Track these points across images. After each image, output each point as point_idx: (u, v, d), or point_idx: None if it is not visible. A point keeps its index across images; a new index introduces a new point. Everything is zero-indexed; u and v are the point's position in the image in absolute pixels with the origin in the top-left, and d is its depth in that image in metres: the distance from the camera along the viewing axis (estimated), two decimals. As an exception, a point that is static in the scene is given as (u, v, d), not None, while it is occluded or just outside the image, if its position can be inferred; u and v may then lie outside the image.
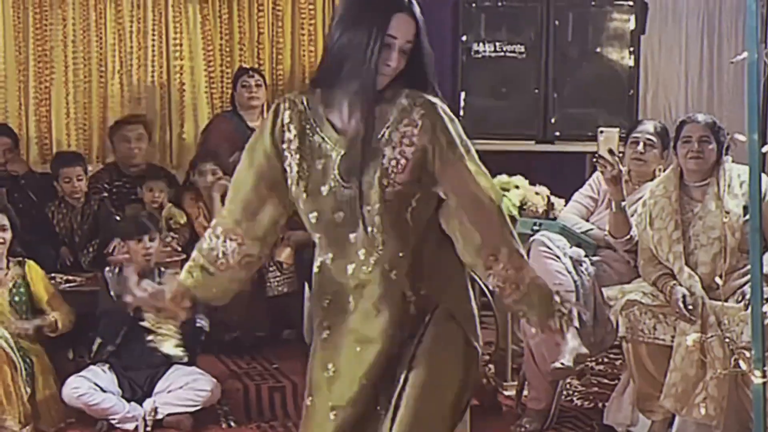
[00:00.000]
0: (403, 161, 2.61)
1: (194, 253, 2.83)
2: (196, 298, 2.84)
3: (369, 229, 2.62)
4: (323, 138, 2.66)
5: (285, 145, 2.68)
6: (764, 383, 3.00)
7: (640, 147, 4.89)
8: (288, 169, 2.68)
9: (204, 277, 2.80)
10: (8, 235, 4.97)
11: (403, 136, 2.61)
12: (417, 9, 2.62)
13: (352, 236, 2.65)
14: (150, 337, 4.83)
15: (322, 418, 2.75)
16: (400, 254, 2.66)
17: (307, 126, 2.67)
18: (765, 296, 3.18)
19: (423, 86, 2.67)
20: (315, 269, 2.77)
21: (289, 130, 2.68)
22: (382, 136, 2.62)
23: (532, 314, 2.71)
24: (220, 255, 2.76)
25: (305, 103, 2.69)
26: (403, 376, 2.70)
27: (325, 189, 2.64)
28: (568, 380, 5.13)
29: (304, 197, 2.66)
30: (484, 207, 2.65)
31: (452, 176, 2.64)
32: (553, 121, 6.57)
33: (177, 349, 4.87)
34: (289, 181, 2.69)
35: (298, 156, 2.66)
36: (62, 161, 5.94)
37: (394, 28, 2.57)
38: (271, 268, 5.87)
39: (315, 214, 2.67)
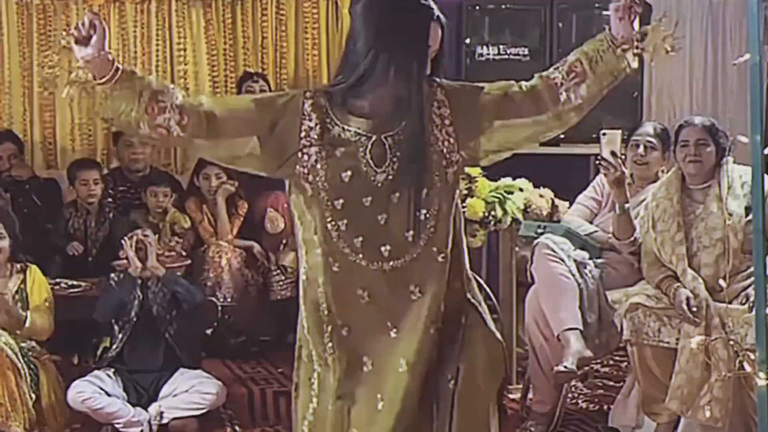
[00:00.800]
0: (453, 140, 2.73)
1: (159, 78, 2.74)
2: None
3: (423, 212, 2.69)
4: (343, 128, 2.70)
5: (303, 134, 2.69)
6: (768, 385, 3.00)
7: (641, 150, 4.87)
8: (305, 156, 2.69)
9: (138, 84, 2.64)
10: (5, 243, 4.94)
11: (442, 119, 2.73)
12: (443, 17, 2.73)
13: (380, 218, 2.68)
14: None
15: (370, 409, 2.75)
16: (448, 237, 2.74)
17: (327, 119, 2.70)
18: (769, 298, 3.18)
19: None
20: (328, 268, 2.71)
21: (309, 119, 2.70)
22: (410, 123, 2.70)
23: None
24: (163, 104, 2.65)
25: (325, 96, 2.73)
26: (451, 380, 2.76)
27: (346, 175, 2.67)
28: (573, 382, 5.12)
29: (326, 186, 2.67)
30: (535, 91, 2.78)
31: (499, 103, 2.76)
32: (557, 123, 6.55)
33: None
34: (304, 170, 2.69)
35: (318, 145, 2.68)
36: (80, 165, 6.03)
37: (430, 37, 2.69)
38: (275, 272, 5.89)
39: (341, 200, 2.67)
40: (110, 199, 6.05)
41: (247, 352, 5.78)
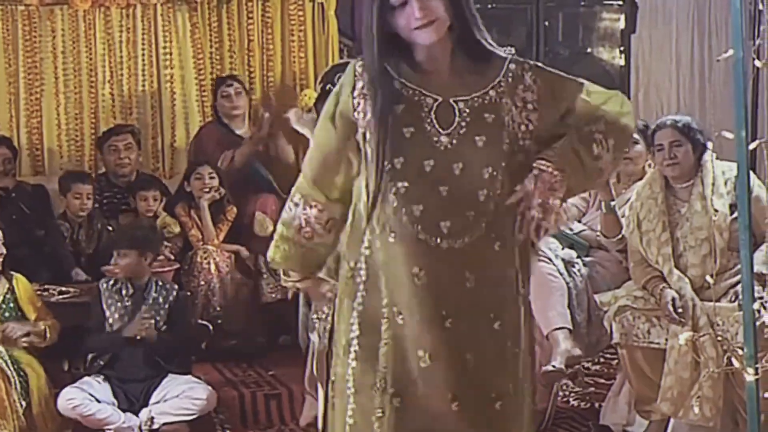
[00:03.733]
0: (531, 127, 2.59)
1: (278, 227, 2.79)
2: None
3: (483, 192, 2.53)
4: (403, 83, 2.58)
5: (356, 93, 2.60)
6: (757, 380, 3.00)
7: (623, 146, 4.88)
8: (360, 115, 2.59)
9: (292, 249, 2.76)
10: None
11: (524, 102, 2.60)
12: None
13: (442, 189, 2.52)
14: None
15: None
16: (507, 226, 2.57)
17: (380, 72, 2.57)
18: (756, 294, 3.18)
19: (473, 40, 2.60)
20: (384, 239, 2.55)
21: (363, 77, 2.60)
22: (485, 95, 2.58)
23: None
24: (303, 224, 2.72)
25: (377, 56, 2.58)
26: None
27: (408, 131, 2.55)
28: (564, 381, 5.12)
29: (385, 141, 2.54)
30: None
31: (590, 114, 2.63)
32: (545, 122, 6.56)
33: None
34: (362, 129, 2.59)
35: (372, 101, 2.57)
36: (76, 177, 5.98)
37: None
38: (264, 275, 5.88)
39: (401, 159, 2.54)
40: (97, 205, 6.02)
41: (239, 355, 5.76)
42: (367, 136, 2.58)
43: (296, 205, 2.73)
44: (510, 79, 2.60)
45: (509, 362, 2.61)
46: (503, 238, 2.57)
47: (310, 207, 2.70)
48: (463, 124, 2.55)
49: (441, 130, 2.54)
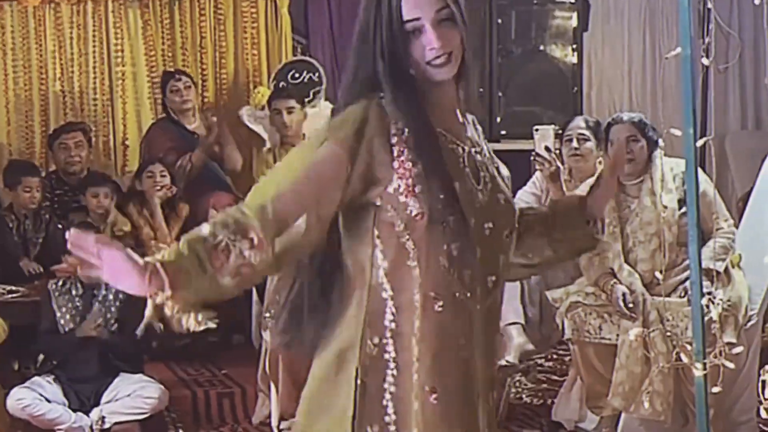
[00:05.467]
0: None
1: (185, 237, 2.07)
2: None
3: (503, 258, 2.24)
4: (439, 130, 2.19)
5: (395, 139, 2.11)
6: (705, 375, 3.04)
7: (574, 143, 4.92)
8: (406, 165, 2.10)
9: (188, 261, 2.03)
10: None
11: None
12: None
13: (478, 250, 2.17)
14: None
15: None
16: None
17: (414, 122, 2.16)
18: (705, 290, 3.22)
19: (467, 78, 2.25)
20: (429, 308, 2.14)
21: (396, 123, 2.14)
22: (480, 147, 2.27)
23: None
24: (222, 246, 2.03)
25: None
26: None
27: (458, 186, 2.15)
28: (517, 377, 5.15)
29: (435, 198, 2.11)
30: None
31: None
32: (498, 120, 6.58)
33: None
34: (405, 182, 2.09)
35: (417, 152, 2.12)
36: (25, 170, 5.90)
37: (410, 7, 2.14)
38: (217, 273, 5.85)
39: (452, 218, 2.13)
40: (48, 203, 5.97)
41: (191, 354, 5.72)
42: (417, 189, 2.11)
43: (225, 227, 2.04)
44: (476, 129, 2.32)
45: None
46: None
47: (244, 239, 2.04)
48: (486, 180, 2.21)
49: (476, 186, 2.19)
